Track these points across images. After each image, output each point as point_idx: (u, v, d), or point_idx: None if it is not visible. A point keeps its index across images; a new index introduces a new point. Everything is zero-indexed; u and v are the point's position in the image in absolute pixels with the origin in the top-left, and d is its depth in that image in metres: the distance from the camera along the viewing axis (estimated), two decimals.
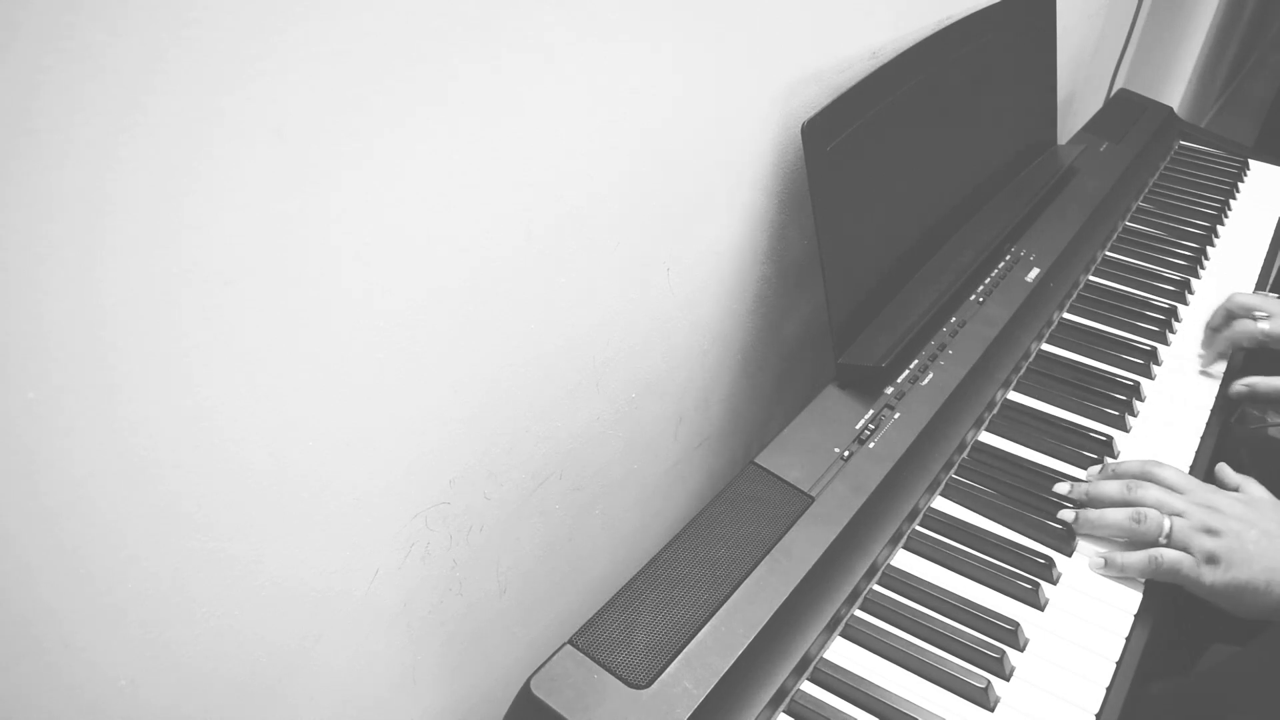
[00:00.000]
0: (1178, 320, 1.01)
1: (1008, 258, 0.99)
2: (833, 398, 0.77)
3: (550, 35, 0.54)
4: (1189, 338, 0.98)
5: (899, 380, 0.80)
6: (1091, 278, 1.07)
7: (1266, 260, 1.15)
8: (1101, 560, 0.72)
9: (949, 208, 0.97)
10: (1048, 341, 0.96)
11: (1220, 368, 0.94)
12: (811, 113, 0.74)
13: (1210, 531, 0.69)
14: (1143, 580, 0.71)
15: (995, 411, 0.86)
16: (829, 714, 0.60)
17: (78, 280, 0.37)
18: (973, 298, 0.92)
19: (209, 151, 0.39)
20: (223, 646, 0.50)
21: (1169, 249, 1.12)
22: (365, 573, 0.57)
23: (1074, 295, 1.03)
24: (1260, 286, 1.10)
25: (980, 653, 0.64)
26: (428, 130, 0.49)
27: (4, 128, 0.33)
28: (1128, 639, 0.67)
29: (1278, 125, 2.47)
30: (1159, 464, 0.76)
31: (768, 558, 0.64)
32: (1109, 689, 0.63)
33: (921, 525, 0.74)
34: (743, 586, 0.62)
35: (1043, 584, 0.70)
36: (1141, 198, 1.23)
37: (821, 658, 0.64)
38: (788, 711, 0.61)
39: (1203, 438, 0.86)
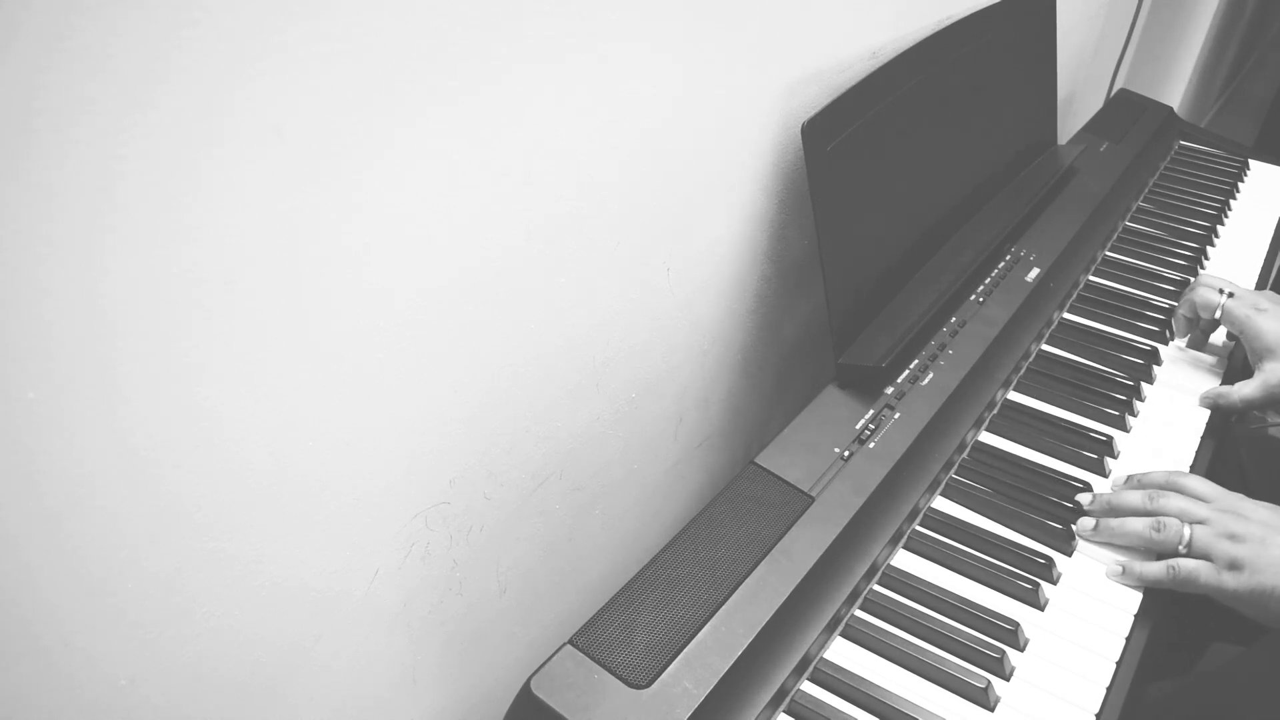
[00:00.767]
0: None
1: (1008, 258, 0.99)
2: (833, 398, 0.77)
3: (550, 36, 0.54)
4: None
5: (899, 380, 0.80)
6: (1091, 278, 1.07)
7: (1266, 260, 1.15)
8: (1119, 568, 0.71)
9: (949, 208, 0.97)
10: (1048, 341, 0.96)
11: (1220, 369, 0.94)
12: (811, 113, 0.74)
13: (1233, 538, 0.68)
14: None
15: (995, 411, 0.86)
16: (829, 714, 0.60)
17: (78, 280, 0.37)
18: (973, 298, 0.92)
19: (209, 151, 0.39)
20: (222, 646, 0.50)
21: (1169, 249, 1.12)
22: (365, 573, 0.57)
23: (1074, 295, 1.03)
24: (1260, 286, 1.10)
25: (980, 653, 0.64)
26: (427, 130, 0.49)
27: (5, 127, 0.33)
28: (1128, 639, 0.67)
29: (1278, 125, 2.47)
30: (1184, 474, 0.76)
31: (768, 558, 0.64)
32: (1109, 689, 0.63)
33: (921, 525, 0.74)
34: (743, 586, 0.62)
35: (1043, 584, 0.70)
36: (1141, 198, 1.23)
37: (821, 658, 0.64)
38: (788, 711, 0.61)
39: (1203, 438, 0.86)
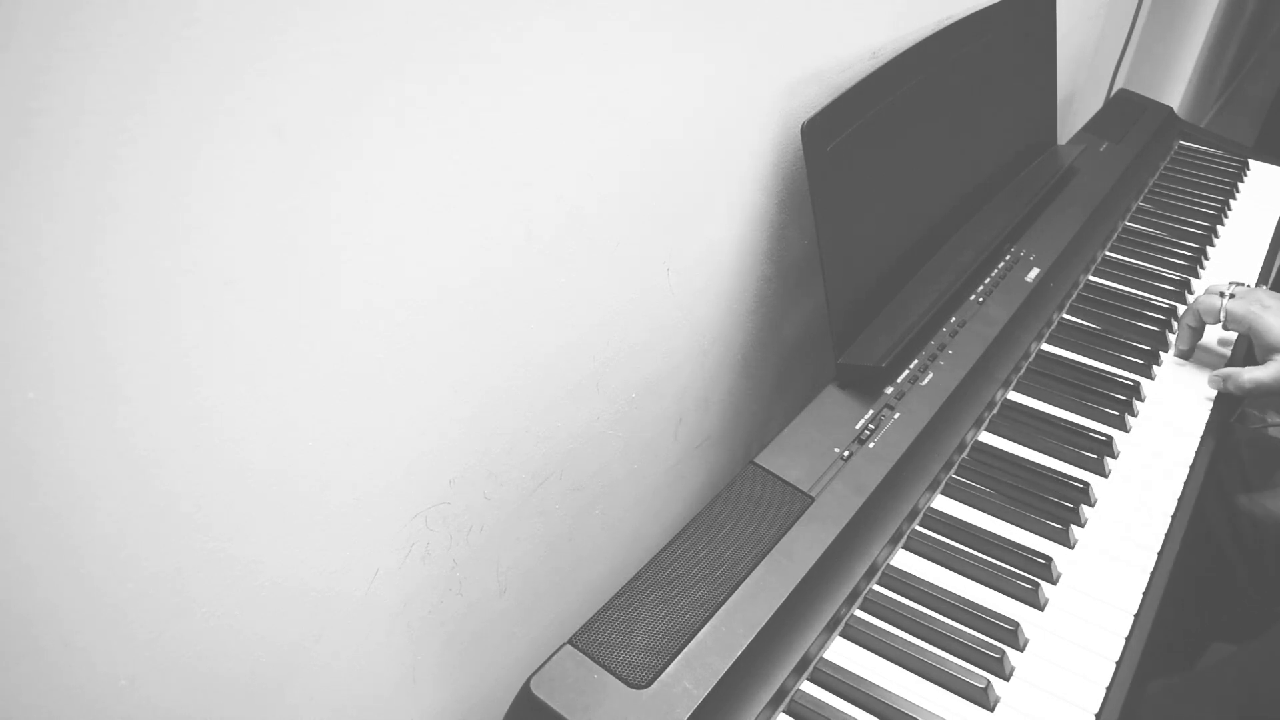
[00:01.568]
0: (1178, 320, 1.00)
1: (1008, 258, 0.99)
2: (833, 398, 0.77)
3: (549, 36, 0.54)
4: None
5: (899, 380, 0.80)
6: (1091, 278, 1.07)
7: (1266, 260, 1.15)
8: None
9: (949, 208, 0.97)
10: (1048, 341, 0.96)
11: (1221, 365, 0.94)
12: (811, 113, 0.74)
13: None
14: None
15: (995, 411, 0.86)
16: (829, 714, 0.60)
17: (78, 280, 0.37)
18: (973, 298, 0.92)
19: (209, 151, 0.39)
20: (222, 646, 0.50)
21: (1169, 249, 1.12)
22: (365, 573, 0.57)
23: (1074, 295, 1.03)
24: (1260, 286, 1.10)
25: (980, 653, 0.64)
26: (427, 130, 0.49)
27: (4, 127, 0.33)
28: (1128, 639, 0.67)
29: (1278, 125, 2.47)
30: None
31: (768, 558, 0.64)
32: (1109, 689, 0.63)
33: (921, 525, 0.74)
34: (743, 586, 0.62)
35: (1043, 584, 0.70)
36: (1141, 198, 1.23)
37: (821, 658, 0.64)
38: (788, 711, 0.61)
39: (1202, 438, 0.85)
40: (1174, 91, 2.35)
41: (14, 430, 0.37)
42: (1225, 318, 0.90)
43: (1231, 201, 1.26)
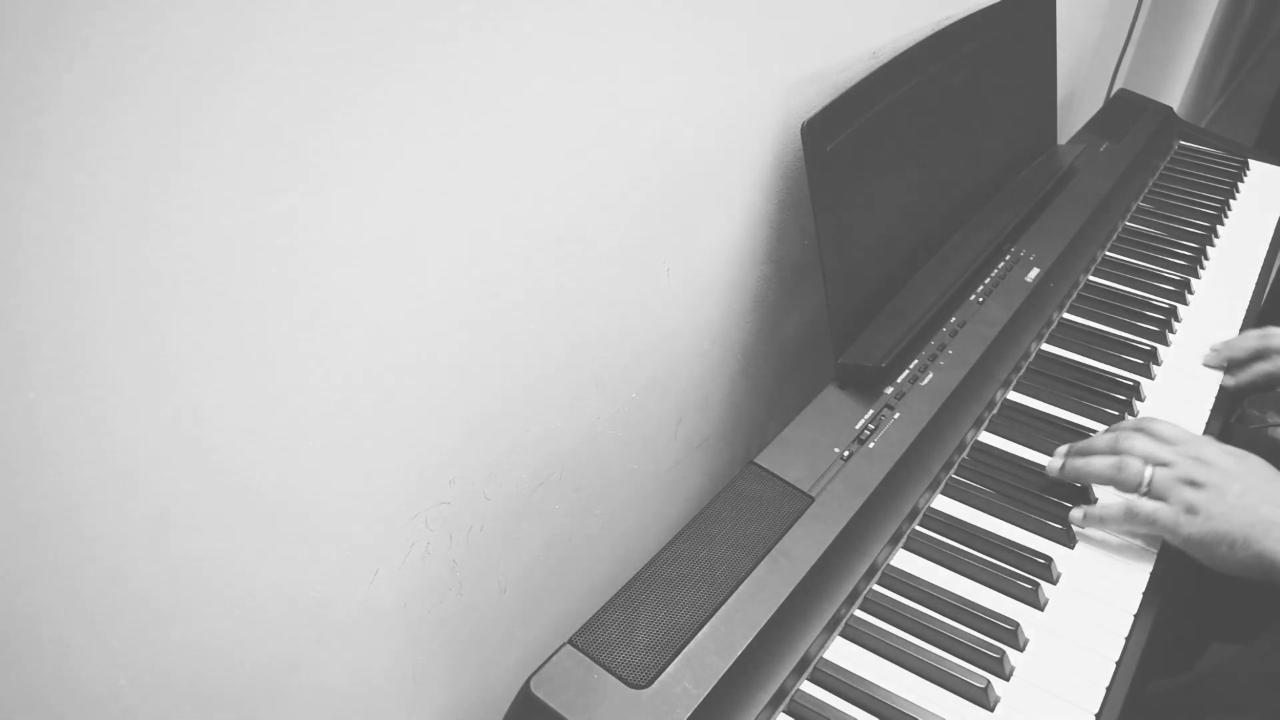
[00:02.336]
0: (1178, 320, 1.01)
1: (1008, 258, 0.99)
2: (833, 398, 0.77)
3: (549, 36, 0.54)
4: (1189, 338, 0.98)
5: (899, 380, 0.80)
6: (1091, 278, 1.07)
7: (1266, 260, 1.15)
8: (1081, 513, 0.73)
9: (949, 208, 0.97)
10: (1048, 341, 0.96)
11: (1220, 369, 0.94)
12: (811, 113, 0.74)
13: (1193, 483, 0.69)
14: (1132, 537, 0.72)
15: (995, 411, 0.86)
16: (829, 714, 0.60)
17: (60, 282, 0.37)
18: (973, 298, 0.92)
19: (208, 151, 0.39)
20: (221, 648, 0.50)
21: (1169, 249, 1.12)
22: (365, 573, 0.57)
23: (1074, 295, 1.03)
24: (1260, 286, 1.10)
25: (980, 653, 0.64)
26: (426, 131, 0.49)
27: None
28: (1128, 639, 0.67)
29: (1278, 125, 2.46)
30: (1155, 420, 0.76)
31: (768, 558, 0.64)
32: (1109, 689, 0.63)
33: (921, 525, 0.74)
34: (743, 586, 0.62)
35: (1043, 584, 0.70)
36: (1141, 198, 1.23)
37: (821, 658, 0.64)
38: (788, 711, 0.61)
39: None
40: (1174, 91, 2.35)
41: (9, 433, 0.37)
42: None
43: (1231, 201, 1.26)
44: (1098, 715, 0.62)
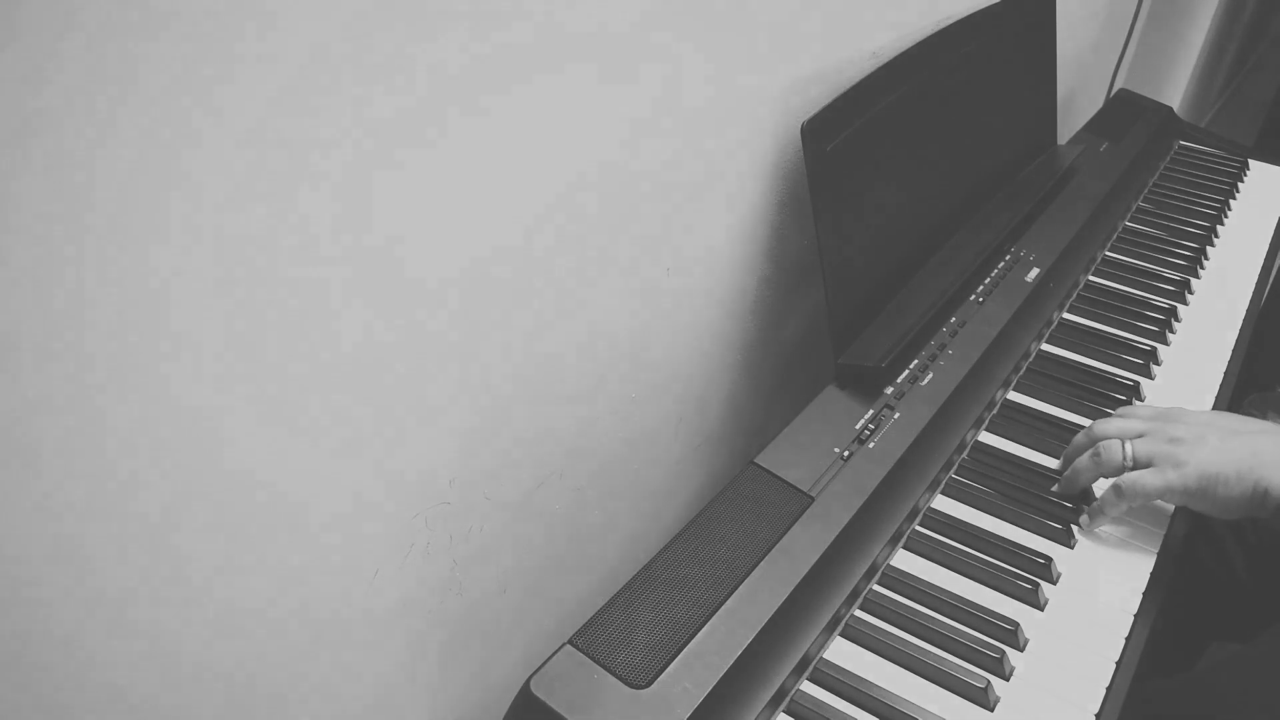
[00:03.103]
0: (1177, 320, 1.01)
1: (1008, 258, 0.99)
2: (833, 398, 0.77)
3: (548, 35, 0.54)
4: (1189, 338, 0.98)
5: (899, 380, 0.80)
6: (1091, 278, 1.07)
7: (1266, 260, 1.15)
8: (1085, 518, 0.74)
9: (949, 208, 0.97)
10: (1048, 341, 0.96)
11: (1220, 369, 0.94)
12: (811, 113, 0.74)
13: (1172, 440, 0.70)
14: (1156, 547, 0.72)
15: (995, 411, 0.86)
16: (829, 714, 0.60)
17: (60, 281, 0.37)
18: (973, 298, 0.92)
19: (203, 150, 0.39)
20: (221, 647, 0.50)
21: (1169, 249, 1.12)
22: (365, 573, 0.57)
23: (1074, 295, 1.03)
24: (1260, 286, 1.10)
25: (980, 653, 0.64)
26: (424, 131, 0.49)
27: None
28: (1128, 639, 0.67)
29: (1278, 125, 2.46)
30: (1125, 406, 0.77)
31: (768, 558, 0.64)
32: (1109, 689, 0.63)
33: (921, 525, 0.74)
34: (743, 586, 0.62)
35: (1043, 584, 0.70)
36: (1141, 198, 1.23)
37: (821, 658, 0.64)
38: (788, 711, 0.61)
39: None
40: (1174, 91, 2.35)
41: (11, 431, 0.37)
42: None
43: (1231, 201, 1.26)
44: (1098, 715, 0.62)
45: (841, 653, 0.65)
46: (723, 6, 0.66)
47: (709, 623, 0.60)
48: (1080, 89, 1.66)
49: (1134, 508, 0.72)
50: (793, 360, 1.01)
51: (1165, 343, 0.97)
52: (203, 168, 0.39)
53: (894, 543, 0.72)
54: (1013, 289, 0.95)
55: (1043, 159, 1.16)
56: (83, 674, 0.44)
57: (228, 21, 0.38)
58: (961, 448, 0.81)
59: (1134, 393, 0.89)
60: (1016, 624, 0.66)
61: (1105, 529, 0.75)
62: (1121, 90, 1.45)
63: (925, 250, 0.94)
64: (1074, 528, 0.74)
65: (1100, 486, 0.75)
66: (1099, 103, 1.80)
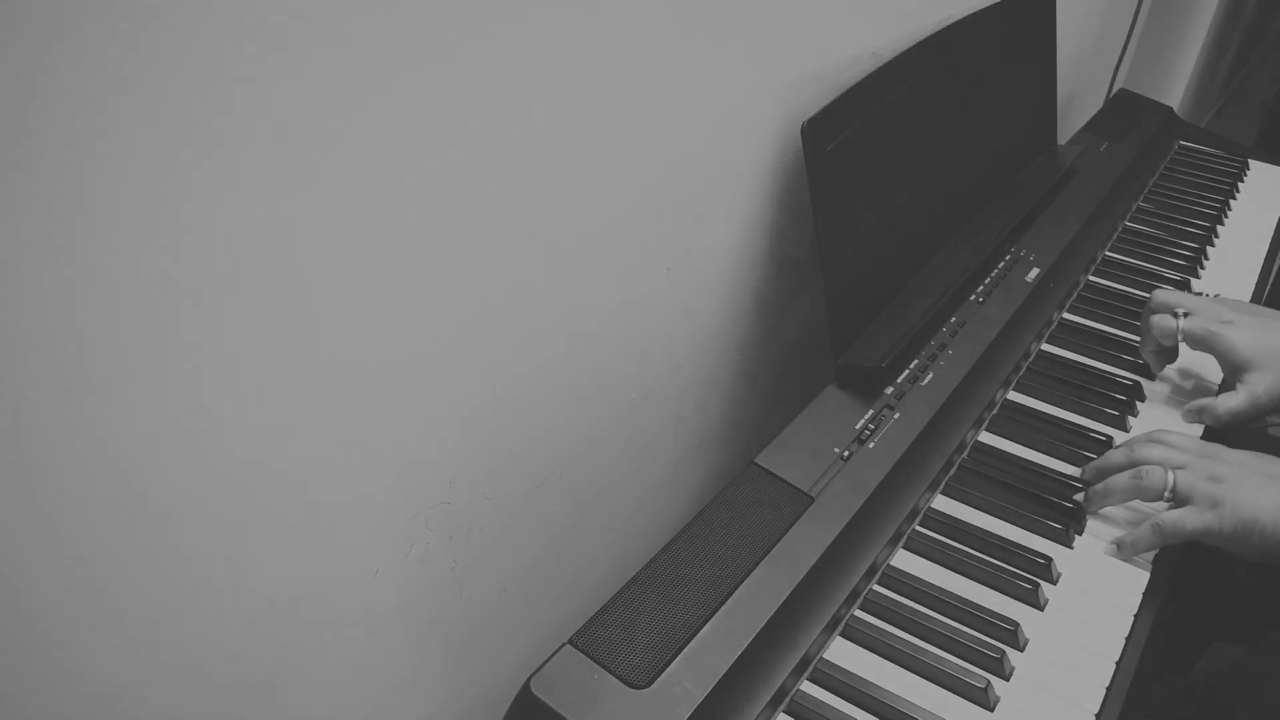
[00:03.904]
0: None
1: (1008, 258, 0.99)
2: (833, 398, 0.77)
3: (547, 34, 0.54)
4: None
5: (899, 380, 0.80)
6: (1091, 278, 1.07)
7: (1266, 260, 1.15)
8: (1115, 545, 0.73)
9: (949, 208, 0.97)
10: (1048, 341, 0.96)
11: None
12: (811, 113, 0.74)
13: (1214, 479, 0.69)
14: (1151, 556, 0.71)
15: (995, 411, 0.86)
16: (829, 714, 0.60)
17: (60, 281, 0.37)
18: (973, 298, 0.92)
19: (205, 152, 0.39)
20: (220, 649, 0.50)
21: (1169, 249, 1.12)
22: (365, 573, 0.57)
23: (1074, 295, 1.03)
24: (1260, 286, 1.10)
25: (980, 653, 0.64)
26: (424, 131, 0.49)
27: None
28: (1128, 639, 0.67)
29: (1278, 125, 2.46)
30: (1165, 431, 0.76)
31: (768, 558, 0.64)
32: (1109, 689, 0.63)
33: (921, 525, 0.74)
34: (743, 586, 0.62)
35: (1043, 584, 0.70)
36: (1141, 198, 1.23)
37: (821, 658, 0.64)
38: (788, 711, 0.61)
39: (1202, 438, 0.85)
40: (1174, 91, 2.35)
41: (12, 431, 0.37)
42: (1184, 339, 0.85)
43: (1231, 201, 1.26)
44: (1098, 715, 0.62)
45: (842, 653, 0.65)
46: (723, 7, 0.66)
47: (709, 623, 0.60)
48: (1080, 89, 1.66)
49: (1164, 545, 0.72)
50: (793, 360, 1.01)
51: None
52: (204, 167, 0.39)
53: (894, 543, 0.72)
54: (1013, 289, 0.95)
55: (1043, 159, 1.16)
56: (81, 674, 0.44)
57: (228, 22, 0.38)
58: (961, 448, 0.81)
59: (1134, 393, 0.88)
60: (1016, 624, 0.66)
61: (1105, 529, 0.75)
62: (1121, 90, 1.45)
63: (925, 250, 0.94)
64: (1073, 528, 0.74)
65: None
66: (1099, 103, 1.80)
